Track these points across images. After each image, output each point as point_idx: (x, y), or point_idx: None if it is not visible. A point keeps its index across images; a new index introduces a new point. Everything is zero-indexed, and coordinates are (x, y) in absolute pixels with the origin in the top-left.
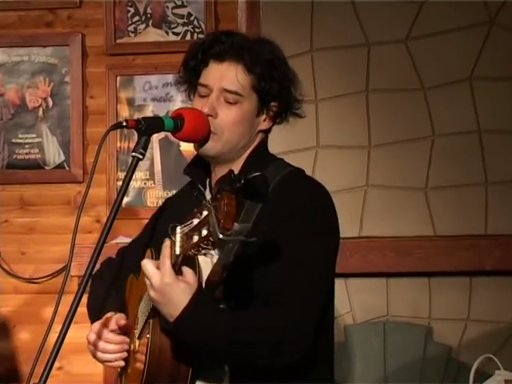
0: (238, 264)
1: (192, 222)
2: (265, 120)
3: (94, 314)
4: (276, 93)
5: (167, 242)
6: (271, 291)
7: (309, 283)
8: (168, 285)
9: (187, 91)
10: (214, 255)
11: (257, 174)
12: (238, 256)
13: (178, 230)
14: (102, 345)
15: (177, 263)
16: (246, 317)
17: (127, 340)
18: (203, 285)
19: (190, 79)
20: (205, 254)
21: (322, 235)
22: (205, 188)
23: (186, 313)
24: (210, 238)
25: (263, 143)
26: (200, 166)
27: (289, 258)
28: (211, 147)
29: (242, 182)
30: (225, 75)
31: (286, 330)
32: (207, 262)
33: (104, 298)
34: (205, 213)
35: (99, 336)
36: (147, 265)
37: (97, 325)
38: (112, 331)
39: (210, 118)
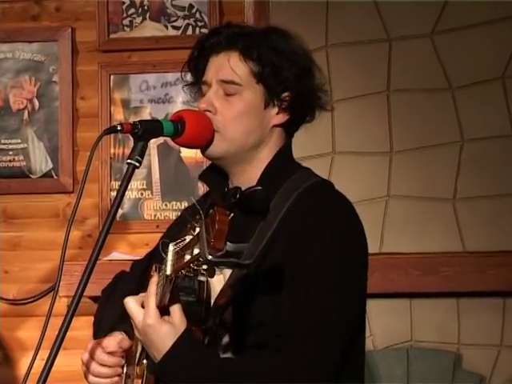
0: (249, 286)
1: (185, 240)
2: (278, 113)
3: (94, 332)
4: (284, 80)
5: (154, 279)
6: (280, 331)
7: (326, 322)
8: (150, 327)
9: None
10: (227, 273)
11: (257, 188)
12: (248, 277)
13: (171, 247)
14: (95, 367)
15: (164, 299)
16: (242, 362)
17: (122, 363)
18: (211, 304)
19: (197, 81)
20: (196, 275)
21: (343, 263)
22: None
23: (168, 357)
24: (201, 258)
25: (286, 147)
26: (218, 172)
27: (303, 290)
28: (216, 147)
29: (238, 196)
30: (220, 66)
31: (293, 381)
32: (220, 281)
33: (105, 314)
34: (197, 229)
35: (93, 357)
36: (129, 303)
37: (92, 344)
38: (110, 353)
39: (209, 114)
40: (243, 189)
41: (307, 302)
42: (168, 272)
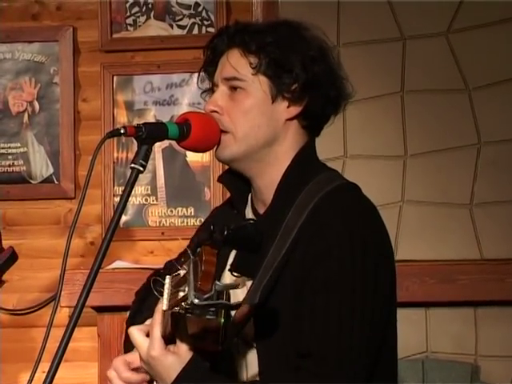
0: (268, 300)
1: (179, 274)
2: (288, 107)
3: (125, 343)
4: (289, 71)
5: (159, 306)
6: (299, 349)
7: (345, 342)
8: (154, 358)
9: None
10: (249, 284)
11: (249, 221)
12: (267, 291)
13: (167, 280)
14: None
15: (167, 328)
16: None
17: (147, 378)
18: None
19: (212, 85)
20: (186, 313)
21: (363, 276)
22: (245, 203)
23: None
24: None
25: (307, 146)
26: (239, 175)
27: (321, 308)
28: (227, 148)
29: (225, 234)
30: (223, 64)
31: None
32: (244, 293)
33: (136, 320)
34: (188, 266)
35: (118, 373)
36: (134, 333)
37: (118, 360)
38: (135, 369)
39: (216, 115)
40: (268, 188)
41: (324, 320)
42: (164, 308)
